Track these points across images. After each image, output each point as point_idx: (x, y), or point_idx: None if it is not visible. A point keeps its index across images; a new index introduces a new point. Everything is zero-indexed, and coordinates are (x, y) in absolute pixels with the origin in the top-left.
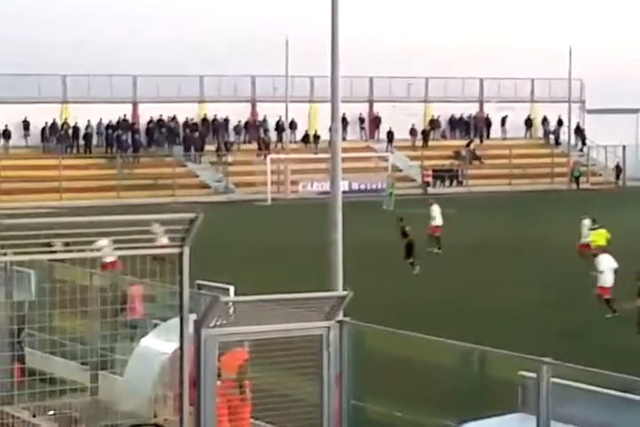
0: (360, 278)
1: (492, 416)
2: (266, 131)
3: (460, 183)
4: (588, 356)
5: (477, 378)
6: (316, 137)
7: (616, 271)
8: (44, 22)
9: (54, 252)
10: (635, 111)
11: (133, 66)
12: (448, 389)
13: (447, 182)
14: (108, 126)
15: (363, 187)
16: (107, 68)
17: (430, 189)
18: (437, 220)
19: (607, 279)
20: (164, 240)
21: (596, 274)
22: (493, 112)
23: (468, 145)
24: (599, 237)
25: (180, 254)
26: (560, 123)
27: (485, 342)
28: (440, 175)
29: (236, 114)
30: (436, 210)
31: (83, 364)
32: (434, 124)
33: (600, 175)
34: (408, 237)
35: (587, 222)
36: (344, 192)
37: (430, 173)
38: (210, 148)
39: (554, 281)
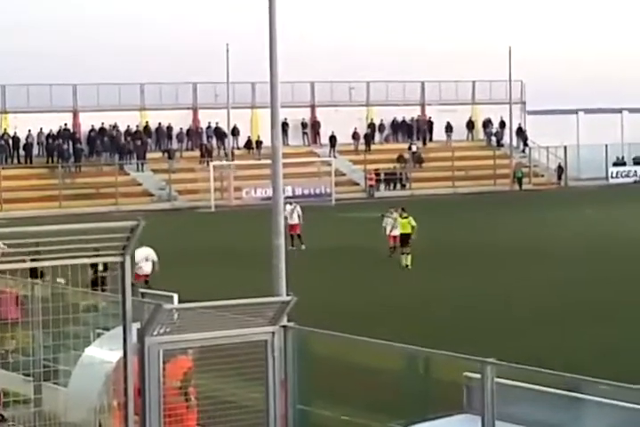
0: (304, 282)
1: (438, 418)
2: (208, 137)
3: (403, 186)
4: None
5: (422, 380)
6: (259, 143)
7: (154, 262)
8: None
9: None
10: (574, 112)
11: (73, 74)
12: (394, 391)
13: (391, 186)
14: (49, 136)
15: (306, 192)
16: (46, 77)
17: (377, 193)
18: (294, 219)
19: (146, 269)
20: None
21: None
22: (435, 115)
23: (409, 148)
24: (404, 225)
25: (122, 263)
26: (502, 125)
27: (430, 345)
28: (384, 179)
29: (178, 121)
30: (289, 209)
31: (26, 375)
32: (373, 127)
33: (542, 176)
34: None
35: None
36: (288, 197)
37: (374, 176)
38: (152, 155)
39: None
